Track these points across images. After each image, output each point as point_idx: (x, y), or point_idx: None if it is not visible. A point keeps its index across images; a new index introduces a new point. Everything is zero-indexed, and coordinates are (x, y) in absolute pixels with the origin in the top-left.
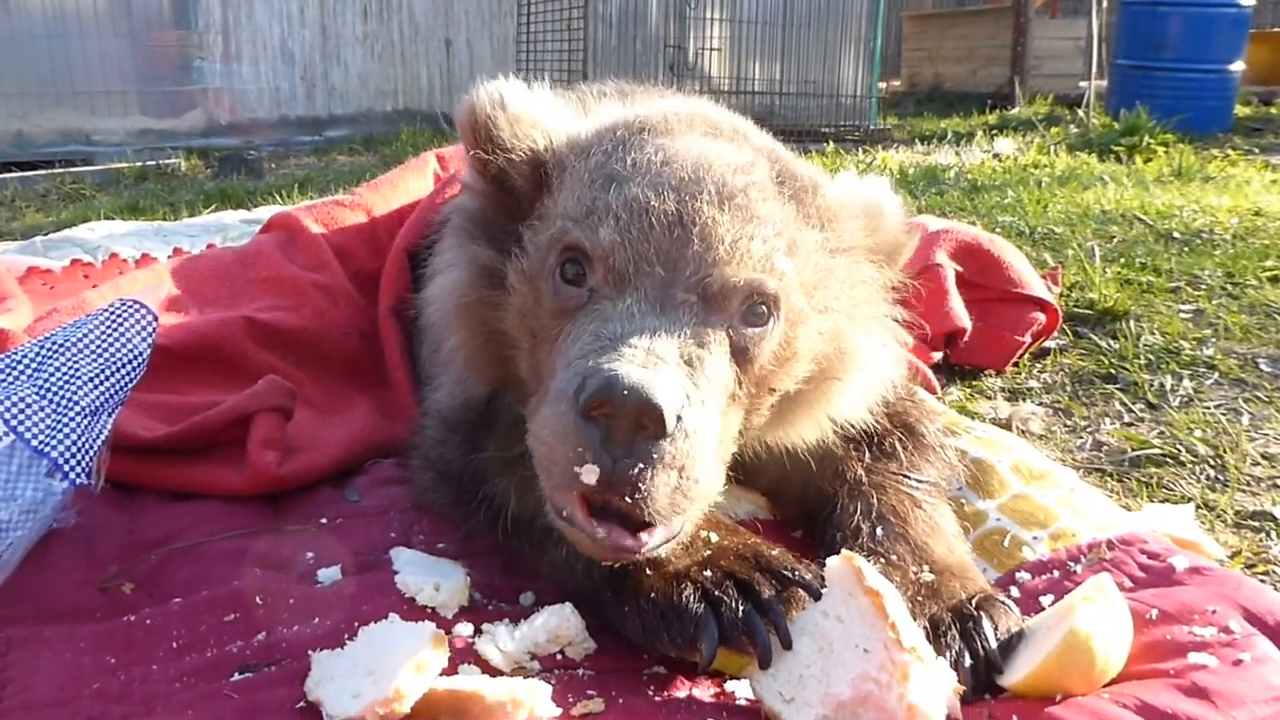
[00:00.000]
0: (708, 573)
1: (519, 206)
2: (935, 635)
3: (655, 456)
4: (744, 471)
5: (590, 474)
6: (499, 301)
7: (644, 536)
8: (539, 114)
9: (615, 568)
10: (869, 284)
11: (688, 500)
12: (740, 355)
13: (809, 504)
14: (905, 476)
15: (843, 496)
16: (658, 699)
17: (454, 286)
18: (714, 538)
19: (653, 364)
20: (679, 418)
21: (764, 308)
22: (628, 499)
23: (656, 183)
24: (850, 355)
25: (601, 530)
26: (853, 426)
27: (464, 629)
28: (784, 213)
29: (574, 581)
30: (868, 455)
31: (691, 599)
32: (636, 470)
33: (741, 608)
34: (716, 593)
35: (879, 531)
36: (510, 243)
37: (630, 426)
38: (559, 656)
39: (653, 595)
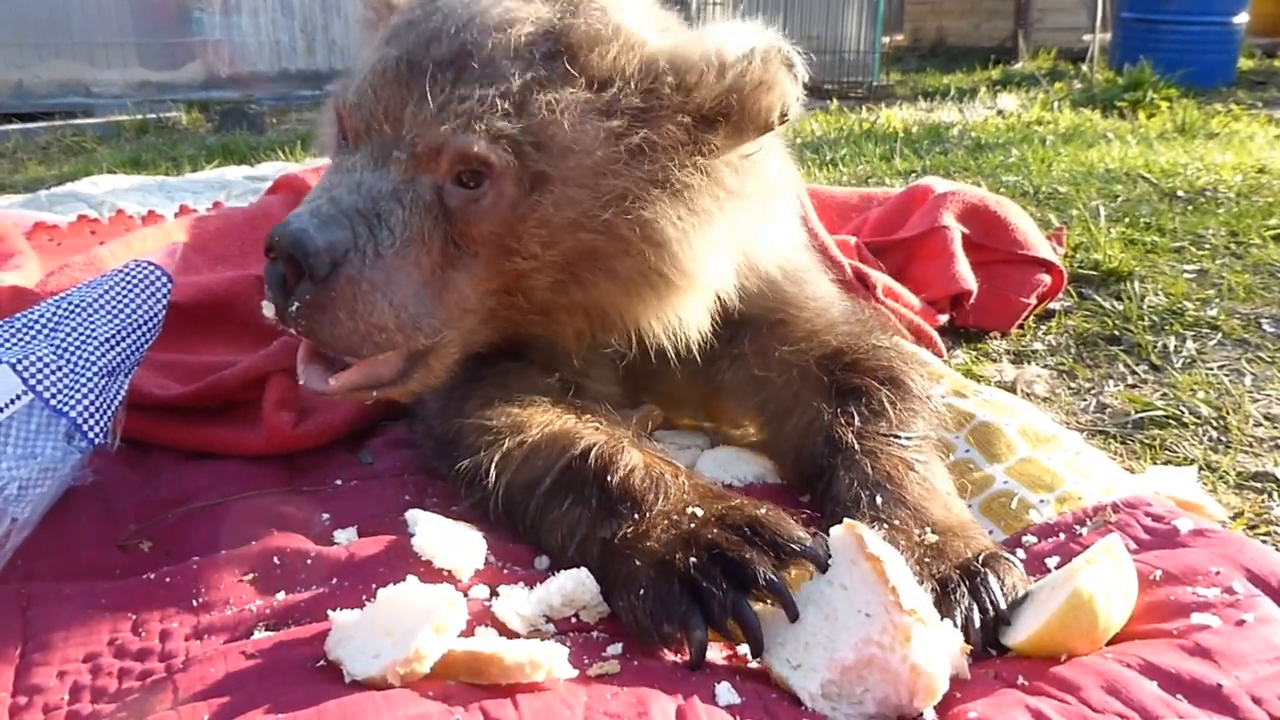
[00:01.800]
0: (694, 558)
1: None
2: (944, 593)
3: (309, 296)
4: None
5: (267, 309)
6: None
7: (335, 380)
8: None
9: (607, 555)
10: (679, 148)
11: (371, 343)
12: (456, 215)
13: (804, 472)
14: (895, 436)
15: (838, 467)
16: (671, 661)
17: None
18: (700, 511)
19: (325, 213)
20: (336, 264)
21: (475, 169)
22: (295, 332)
23: (404, 43)
24: (650, 228)
25: (302, 368)
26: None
27: (480, 592)
28: (528, 72)
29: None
30: (857, 418)
31: (678, 593)
32: (295, 307)
33: (731, 597)
34: (705, 584)
35: (878, 499)
36: None
37: (292, 270)
38: (573, 620)
39: (642, 591)
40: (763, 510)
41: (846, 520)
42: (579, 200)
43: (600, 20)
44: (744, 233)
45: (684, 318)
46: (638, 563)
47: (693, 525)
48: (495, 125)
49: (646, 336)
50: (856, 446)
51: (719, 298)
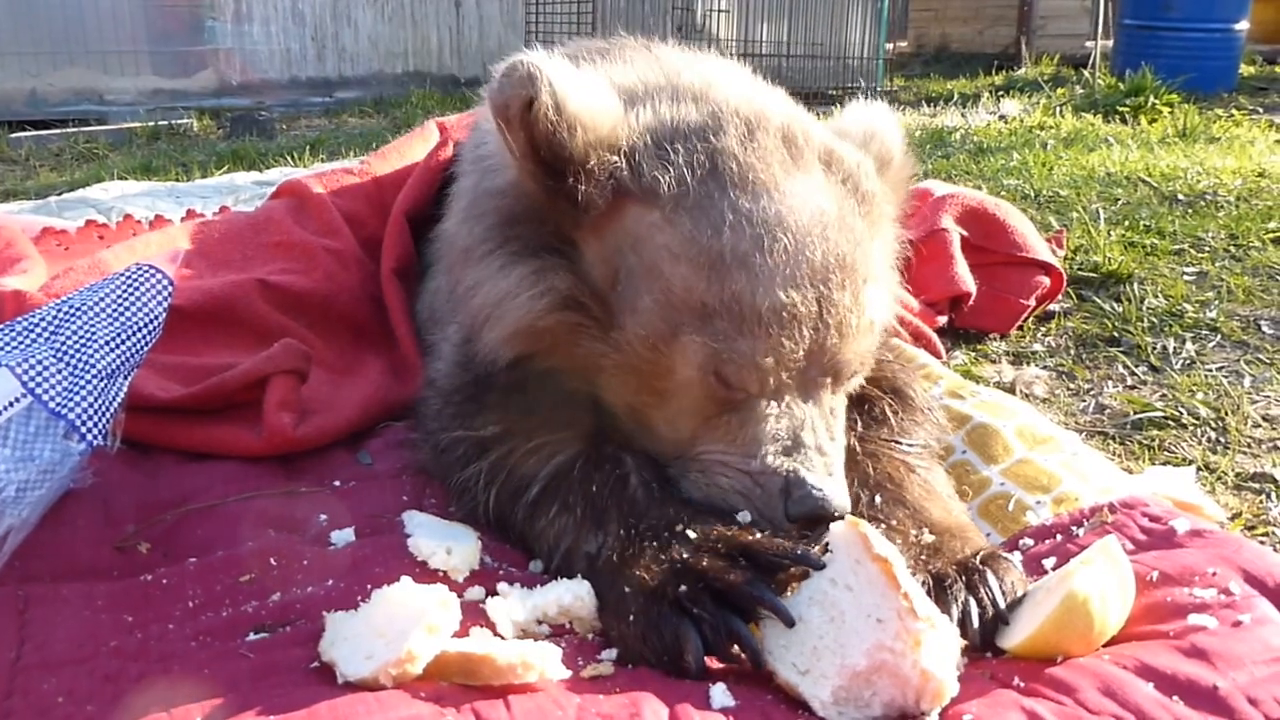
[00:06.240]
0: (684, 587)
1: (574, 213)
2: (940, 590)
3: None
4: None
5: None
6: (581, 327)
7: None
8: (596, 114)
9: (593, 574)
10: (889, 244)
11: None
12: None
13: None
14: (896, 442)
15: None
16: None
17: (525, 309)
18: (692, 535)
19: (832, 472)
20: None
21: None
22: None
23: (790, 280)
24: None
25: None
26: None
27: (475, 593)
28: (874, 252)
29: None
30: (859, 424)
31: (670, 620)
32: None
33: (723, 618)
34: (695, 610)
35: (877, 499)
36: (568, 254)
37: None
38: (567, 625)
39: (632, 618)
40: (754, 536)
41: (849, 517)
42: None
43: (854, 159)
44: None
45: None
46: (627, 589)
47: (684, 555)
48: (883, 316)
49: None
50: (858, 449)
51: None
